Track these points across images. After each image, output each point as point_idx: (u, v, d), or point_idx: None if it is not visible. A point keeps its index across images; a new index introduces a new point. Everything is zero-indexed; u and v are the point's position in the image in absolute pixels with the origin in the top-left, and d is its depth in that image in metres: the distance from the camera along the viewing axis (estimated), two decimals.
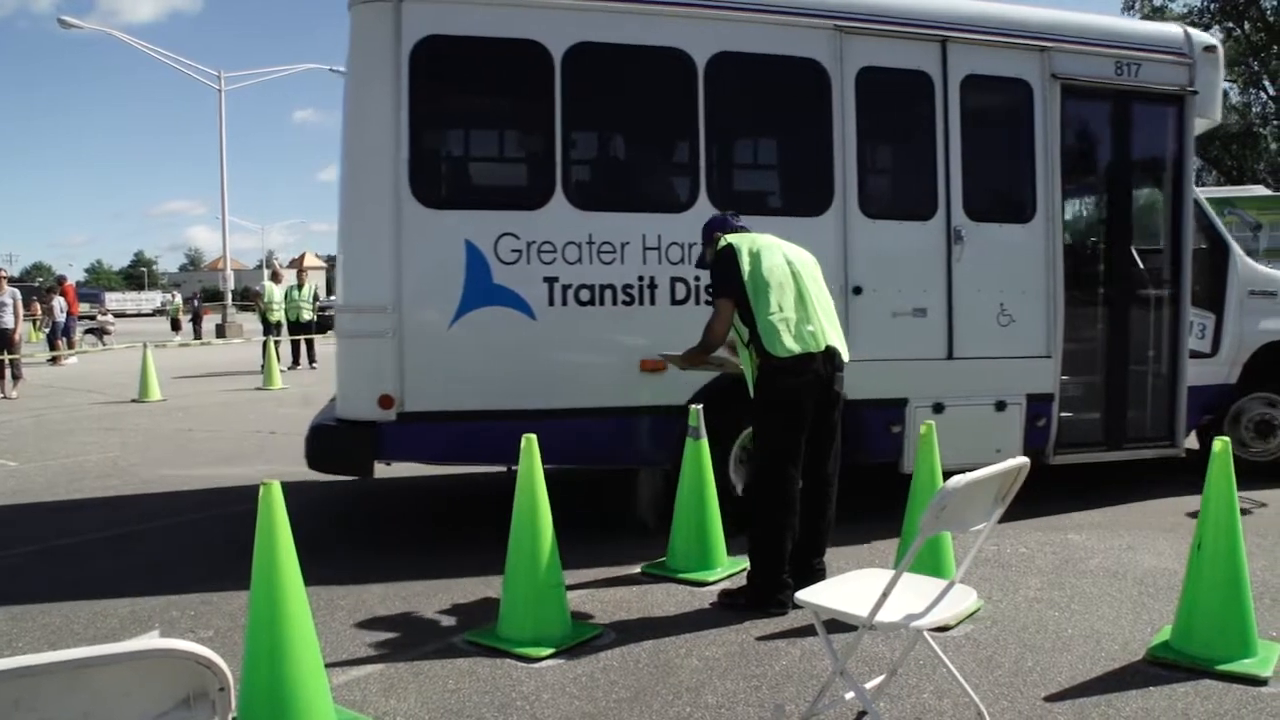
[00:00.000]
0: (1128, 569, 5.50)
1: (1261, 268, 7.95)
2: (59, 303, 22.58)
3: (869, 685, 3.64)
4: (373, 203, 5.76)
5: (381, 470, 8.79)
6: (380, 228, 5.71)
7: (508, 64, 6.01)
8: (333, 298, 46.42)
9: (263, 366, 17.25)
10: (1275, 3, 36.05)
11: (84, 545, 6.40)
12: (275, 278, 20.13)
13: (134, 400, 14.84)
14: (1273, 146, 37.81)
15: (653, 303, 6.00)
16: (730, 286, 4.84)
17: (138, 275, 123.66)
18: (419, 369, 5.75)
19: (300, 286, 20.16)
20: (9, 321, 16.23)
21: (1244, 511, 6.17)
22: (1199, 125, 7.39)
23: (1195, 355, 7.28)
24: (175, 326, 37.88)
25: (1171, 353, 7.14)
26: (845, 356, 4.95)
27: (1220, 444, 4.13)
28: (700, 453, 5.51)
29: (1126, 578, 5.34)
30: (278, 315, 19.40)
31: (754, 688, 3.98)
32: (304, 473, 8.65)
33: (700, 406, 5.59)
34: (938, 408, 6.43)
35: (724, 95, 6.17)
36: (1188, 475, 6.84)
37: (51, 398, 15.63)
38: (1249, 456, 7.64)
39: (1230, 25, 36.69)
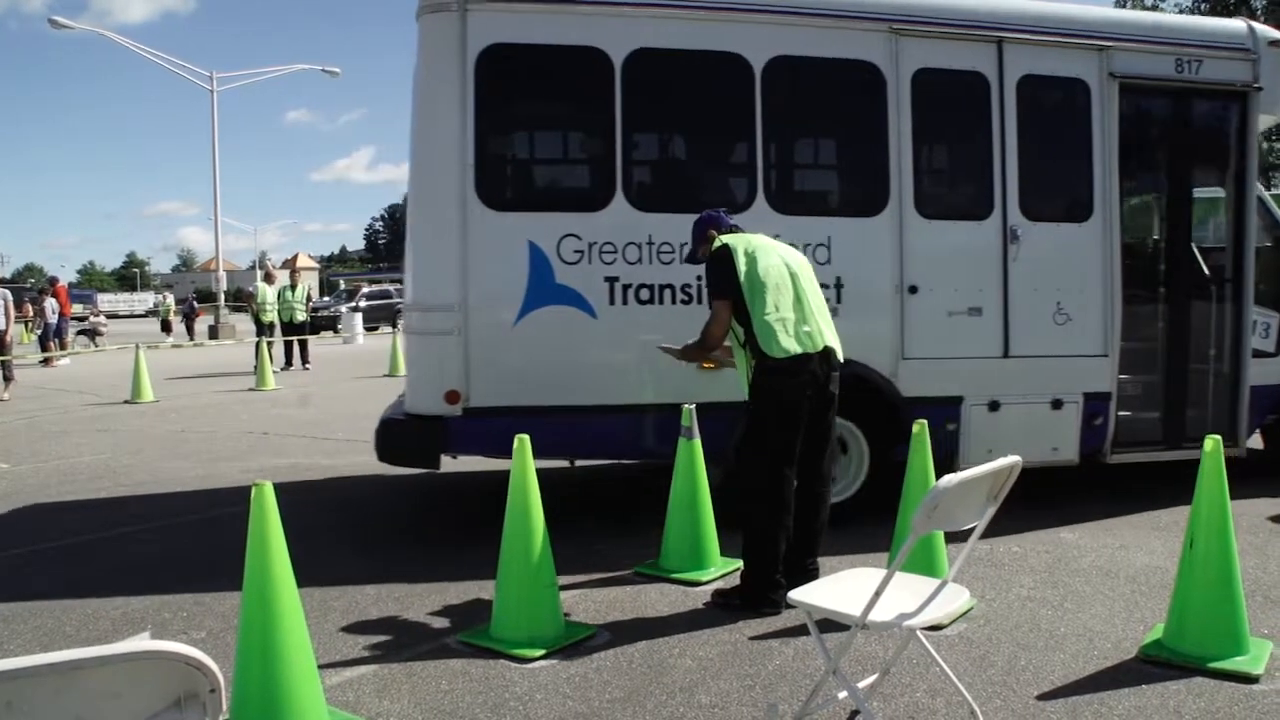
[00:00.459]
0: (1120, 567, 5.51)
1: None
2: (51, 304, 22.51)
3: (862, 684, 3.64)
4: (440, 205, 5.95)
5: (376, 471, 8.79)
6: (447, 229, 5.90)
7: (569, 70, 6.21)
8: (325, 299, 46.22)
9: (255, 367, 17.22)
10: (1264, 3, 36.15)
11: (76, 547, 6.39)
12: (268, 279, 20.09)
13: (126, 401, 14.81)
14: (1262, 145, 37.87)
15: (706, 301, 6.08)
16: (727, 287, 4.83)
17: (130, 276, 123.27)
18: (484, 366, 5.93)
19: (293, 287, 20.11)
20: (0, 323, 16.17)
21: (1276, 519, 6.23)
22: (1264, 121, 7.33)
23: (1258, 354, 7.20)
24: (166, 328, 37.74)
25: (1234, 351, 7.09)
26: (841, 357, 4.96)
27: (1211, 443, 4.14)
28: (693, 453, 5.52)
29: (1119, 576, 5.35)
30: (271, 316, 19.37)
31: (747, 687, 3.99)
32: (296, 474, 8.66)
33: (693, 407, 5.60)
34: (993, 406, 6.46)
35: (780, 98, 6.27)
36: (1184, 474, 6.85)
37: (44, 399, 15.58)
38: None
39: None
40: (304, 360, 20.15)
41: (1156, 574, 5.34)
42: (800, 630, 4.47)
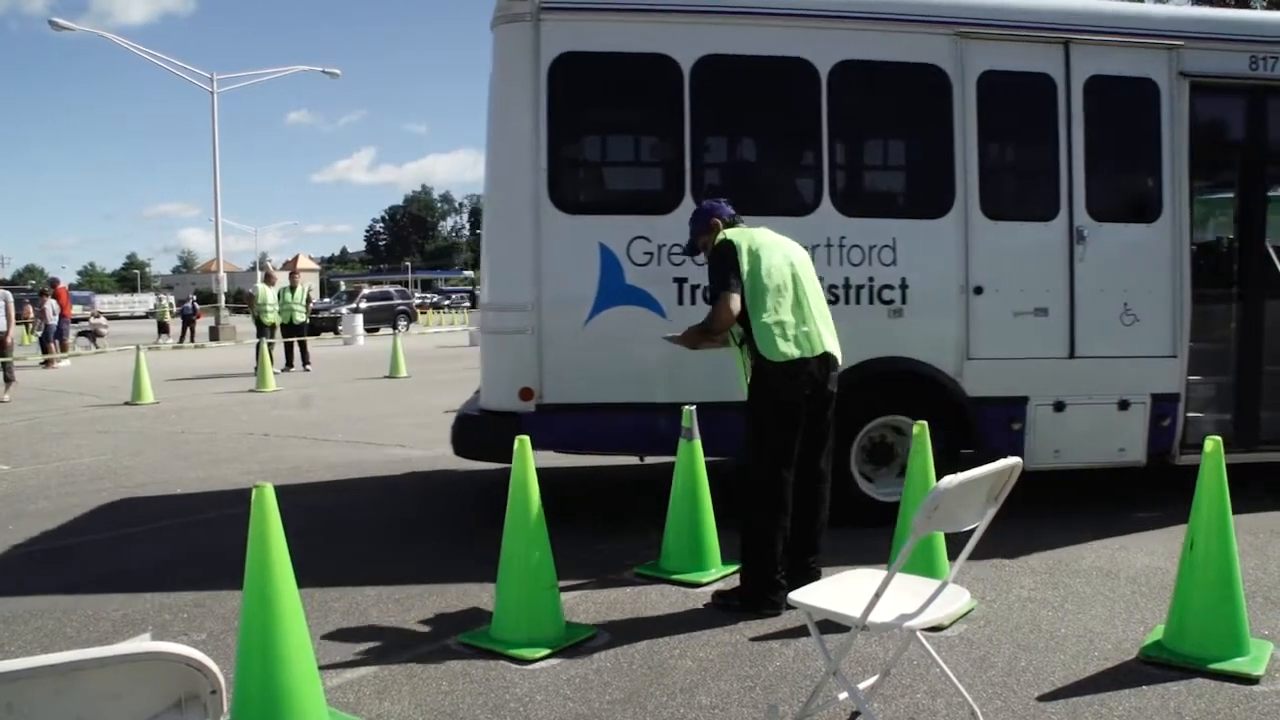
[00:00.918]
0: (1120, 568, 5.51)
1: None
2: (51, 305, 22.52)
3: (862, 685, 3.64)
4: (514, 209, 6.13)
5: (375, 472, 8.79)
6: (521, 232, 6.09)
7: (640, 77, 6.35)
8: (326, 300, 46.18)
9: (256, 369, 17.23)
10: (1264, 4, 36.17)
11: (76, 548, 6.39)
12: (269, 280, 20.10)
13: (127, 403, 14.81)
14: None
15: None
16: (733, 283, 4.79)
17: (131, 278, 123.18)
18: (556, 363, 6.11)
19: (293, 288, 20.11)
20: (0, 324, 16.17)
21: None
22: None
23: None
24: (163, 329, 37.64)
25: None
26: (839, 358, 4.96)
27: (1212, 444, 4.14)
28: (693, 453, 5.53)
29: (1119, 577, 5.35)
30: (272, 317, 19.37)
31: (748, 688, 3.99)
32: (297, 475, 8.66)
33: (693, 408, 5.61)
34: (1059, 406, 6.46)
35: (846, 102, 6.33)
36: (1182, 477, 6.85)
37: (44, 400, 15.58)
38: None
39: None
40: (304, 362, 20.15)
41: (1157, 575, 5.34)
42: (801, 631, 4.47)
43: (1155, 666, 4.10)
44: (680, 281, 6.16)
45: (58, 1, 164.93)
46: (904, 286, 6.31)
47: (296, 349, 20.14)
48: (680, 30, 6.19)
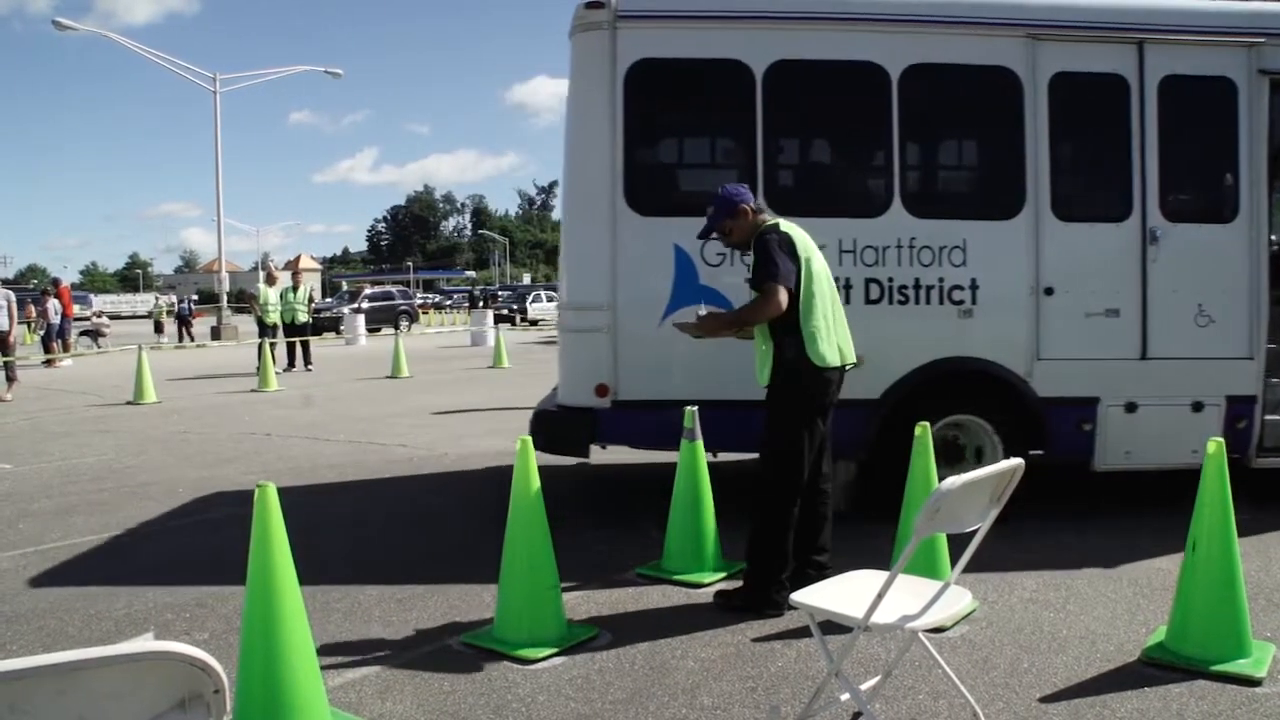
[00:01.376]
0: (1122, 570, 5.50)
1: None
2: (53, 305, 22.53)
3: (864, 686, 3.64)
4: (591, 211, 6.31)
5: (377, 472, 8.80)
6: (598, 234, 6.26)
7: (713, 82, 6.50)
8: (329, 300, 46.16)
9: (258, 368, 17.24)
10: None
11: (79, 548, 6.39)
12: (270, 280, 20.11)
13: (129, 402, 14.82)
14: None
15: (847, 302, 6.20)
16: (789, 276, 4.74)
17: (133, 278, 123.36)
18: (631, 361, 6.26)
19: (295, 288, 20.12)
20: (3, 323, 16.19)
21: None
22: None
23: None
24: (159, 329, 37.57)
25: None
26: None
27: (1214, 445, 4.14)
28: (695, 454, 5.53)
29: (1121, 578, 5.35)
30: (273, 317, 19.38)
31: (750, 689, 3.99)
32: (299, 475, 8.66)
33: (695, 409, 5.62)
34: (1130, 407, 6.43)
35: (916, 104, 6.37)
36: (1187, 477, 6.84)
37: (46, 400, 15.59)
38: None
39: None
40: (306, 361, 20.16)
41: (1159, 576, 5.33)
42: (803, 632, 4.47)
43: (1157, 668, 4.10)
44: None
45: (62, 2, 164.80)
46: (974, 287, 6.33)
47: (298, 349, 20.16)
48: (752, 36, 6.31)
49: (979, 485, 3.07)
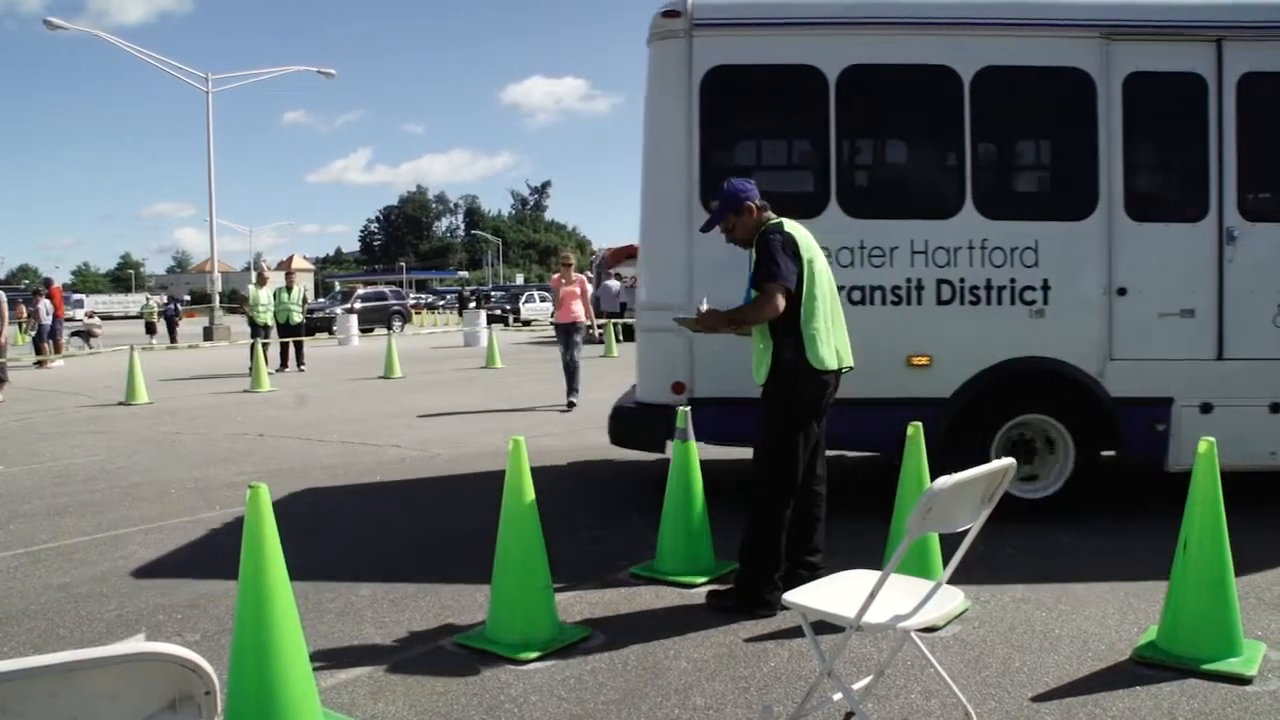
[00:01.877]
0: (1114, 569, 5.51)
1: None
2: (45, 305, 22.47)
3: (857, 686, 3.65)
4: (669, 214, 6.48)
5: (370, 472, 8.78)
6: (675, 235, 6.42)
7: (786, 87, 6.62)
8: (322, 300, 45.97)
9: (250, 369, 17.22)
10: None
11: (70, 549, 6.38)
12: (261, 281, 20.07)
13: (121, 403, 14.79)
14: None
15: (919, 303, 6.38)
16: (790, 277, 4.73)
17: (125, 278, 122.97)
18: (706, 360, 6.39)
19: (289, 289, 20.10)
20: None
21: None
22: None
23: None
24: (150, 329, 37.42)
25: None
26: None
27: (1205, 444, 4.15)
28: (688, 454, 5.53)
29: (1113, 578, 5.36)
30: (264, 318, 19.35)
31: (742, 689, 3.99)
32: (292, 475, 8.65)
33: (688, 409, 5.63)
34: (1205, 408, 6.41)
35: (989, 107, 6.42)
36: (1179, 477, 6.86)
37: (38, 401, 15.55)
38: None
39: None
40: (299, 362, 20.14)
41: (1150, 575, 5.34)
42: (795, 632, 4.47)
43: (1149, 667, 4.11)
44: None
45: (54, 1, 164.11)
46: (1045, 288, 6.35)
47: (291, 349, 20.13)
48: (825, 42, 6.41)
49: (971, 485, 3.08)
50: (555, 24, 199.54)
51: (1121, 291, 6.37)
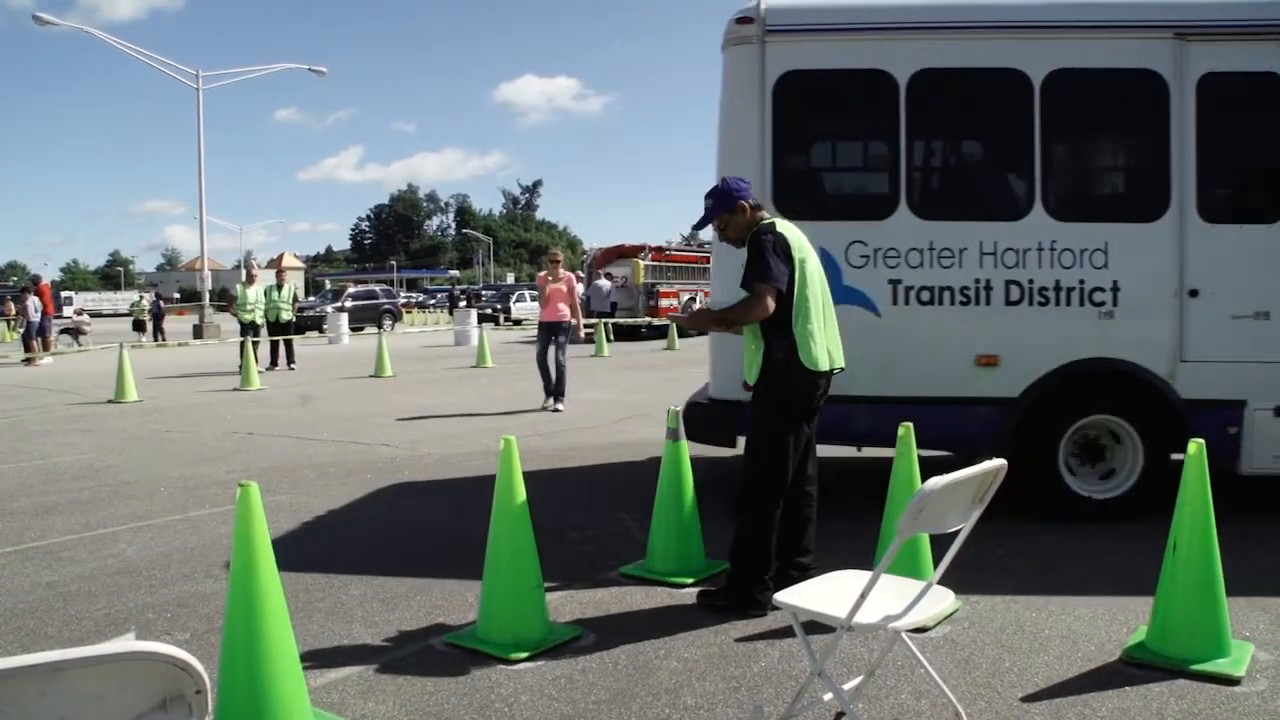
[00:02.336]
0: (1104, 570, 5.53)
1: None
2: (34, 303, 22.39)
3: (847, 686, 3.65)
4: None
5: (360, 471, 8.77)
6: None
7: (857, 91, 6.75)
8: (312, 299, 45.99)
9: (240, 367, 17.17)
10: None
11: (59, 547, 6.35)
12: (250, 279, 20.04)
13: (110, 401, 14.73)
14: None
15: (988, 303, 6.44)
16: (780, 278, 4.72)
17: (114, 275, 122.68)
18: None
19: (280, 287, 20.06)
20: None
21: None
22: None
23: None
24: (139, 327, 37.26)
25: None
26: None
27: (1195, 446, 4.17)
28: (679, 454, 5.53)
29: (1103, 578, 5.38)
30: (251, 316, 19.31)
31: (733, 689, 3.99)
32: (282, 474, 8.63)
33: (679, 409, 5.63)
34: (1279, 411, 6.39)
35: (1059, 109, 6.45)
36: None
37: (26, 398, 15.48)
38: None
39: None
40: (289, 360, 20.10)
41: (1140, 576, 5.35)
42: (786, 632, 4.48)
43: (1138, 667, 4.13)
44: (895, 283, 6.48)
45: None
46: (1115, 289, 6.36)
47: (282, 348, 20.09)
48: (896, 47, 6.51)
49: (962, 486, 3.09)
50: (548, 23, 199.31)
51: (1194, 293, 6.34)
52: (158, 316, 34.68)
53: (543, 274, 13.45)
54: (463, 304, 42.07)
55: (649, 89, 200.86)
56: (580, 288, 30.70)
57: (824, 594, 3.32)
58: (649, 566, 5.54)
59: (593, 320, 24.79)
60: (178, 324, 36.64)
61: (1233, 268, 6.39)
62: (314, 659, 4.30)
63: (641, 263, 30.43)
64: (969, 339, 6.46)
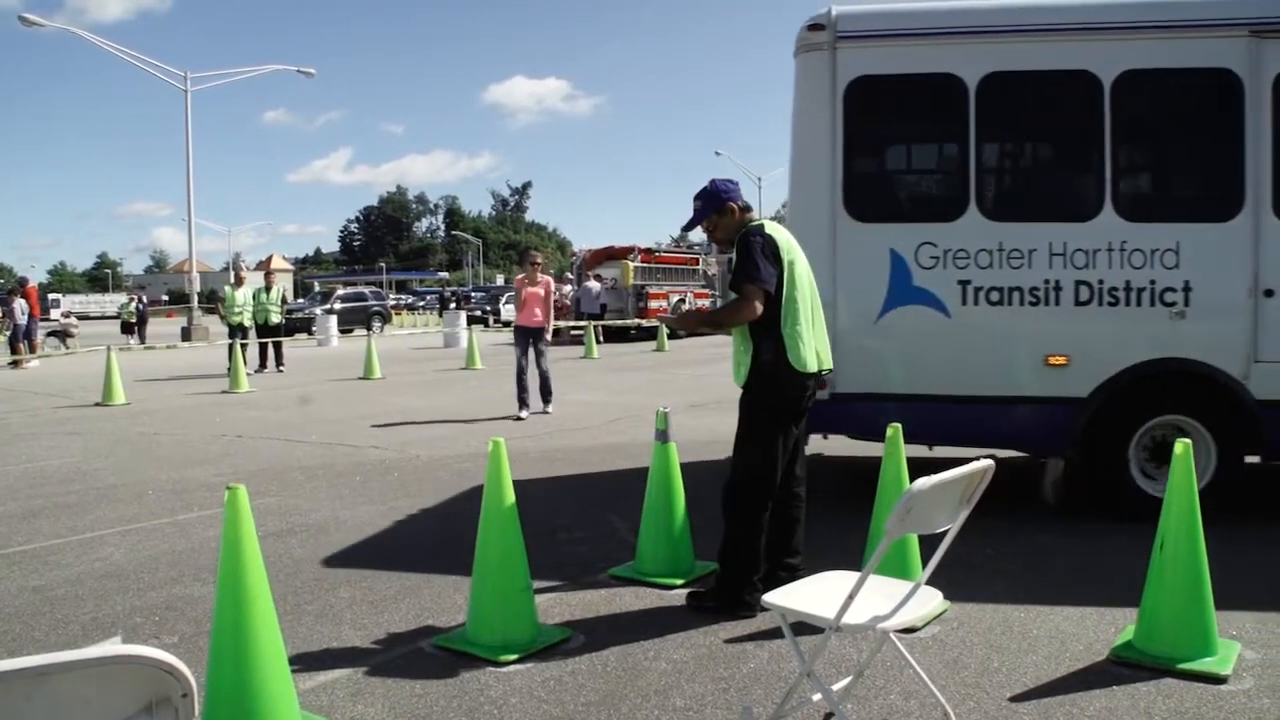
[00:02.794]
0: (1092, 569, 5.55)
1: None
2: (20, 305, 22.28)
3: (836, 687, 3.66)
4: (814, 218, 6.65)
5: (349, 473, 8.74)
6: (819, 238, 6.53)
7: (927, 96, 6.85)
8: (301, 301, 45.77)
9: (229, 369, 17.12)
10: None
11: (46, 551, 6.32)
12: (238, 282, 19.99)
13: (97, 404, 14.68)
14: None
15: (1057, 304, 6.45)
16: (769, 279, 4.73)
17: (102, 277, 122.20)
18: (849, 357, 6.48)
19: (268, 289, 20.01)
20: None
21: None
22: None
23: None
24: (127, 329, 37.06)
25: None
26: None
27: (1181, 446, 4.19)
28: (668, 456, 5.53)
29: (1091, 578, 5.39)
30: (239, 319, 19.25)
31: (722, 690, 4.00)
32: (270, 477, 8.60)
33: (668, 410, 5.63)
34: None
35: (1130, 110, 6.45)
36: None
37: (13, 401, 15.41)
38: None
39: None
40: (278, 362, 20.05)
41: (1128, 576, 5.37)
42: (775, 633, 4.48)
43: (1125, 667, 4.14)
44: (964, 284, 6.52)
45: None
46: (1187, 289, 6.32)
47: (270, 350, 20.04)
48: (966, 50, 6.55)
49: (950, 486, 3.09)
50: (538, 24, 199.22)
51: (1269, 293, 6.30)
52: (141, 318, 34.51)
53: (520, 276, 13.00)
54: (452, 306, 41.98)
55: (638, 90, 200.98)
56: (569, 289, 30.81)
57: (812, 595, 3.33)
58: (638, 568, 5.54)
59: (583, 323, 24.75)
60: (166, 326, 36.44)
61: None
62: (303, 662, 4.29)
63: (631, 264, 30.43)
64: (1038, 339, 6.48)
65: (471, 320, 33.69)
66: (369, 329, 33.44)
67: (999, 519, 6.27)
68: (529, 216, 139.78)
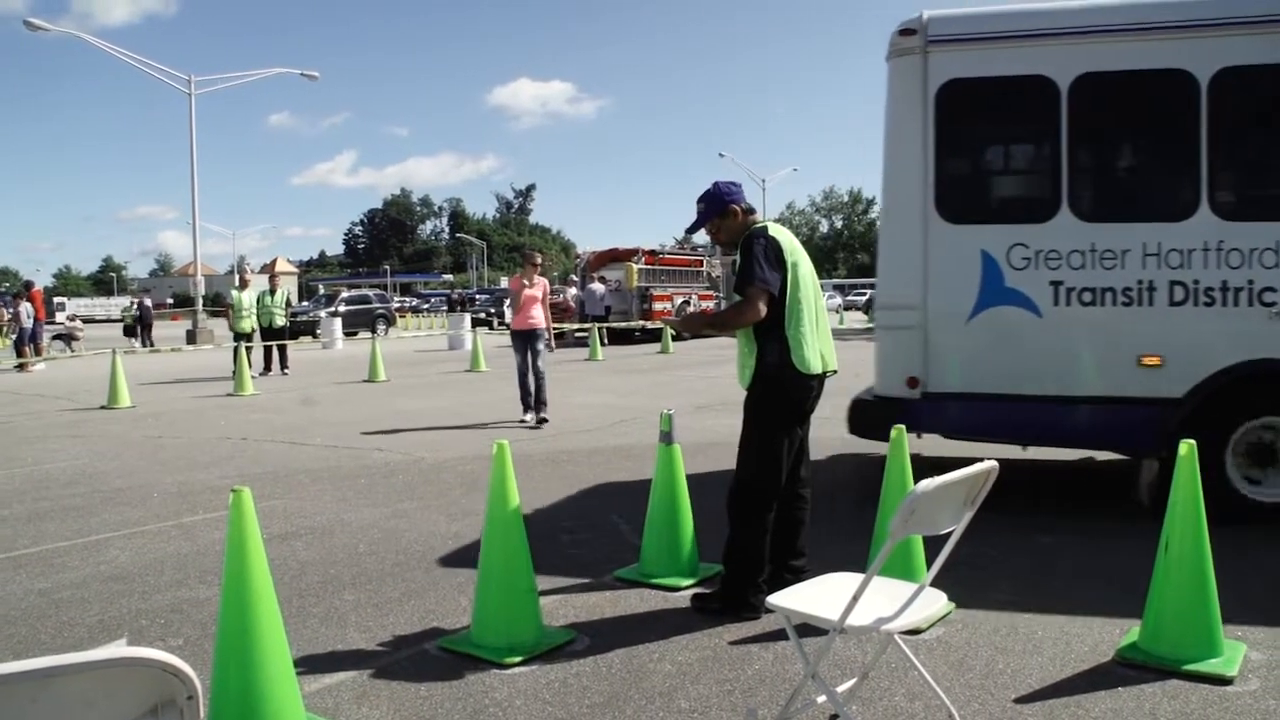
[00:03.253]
0: (1097, 570, 5.54)
1: None
2: (26, 308, 22.33)
3: (841, 688, 3.66)
4: (906, 219, 6.78)
5: (353, 476, 8.75)
6: (911, 239, 6.72)
7: (1019, 97, 6.87)
8: (305, 304, 45.82)
9: (234, 372, 17.14)
10: None
11: (51, 554, 6.34)
12: (243, 284, 20.01)
13: (103, 407, 14.70)
14: None
15: (1150, 304, 6.41)
16: (774, 281, 4.72)
17: (107, 280, 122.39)
18: (940, 356, 6.69)
19: (273, 292, 20.03)
20: None
21: None
22: None
23: None
24: (129, 333, 37.12)
25: None
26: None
27: (1186, 447, 4.18)
28: (672, 457, 5.52)
29: (1096, 579, 5.39)
30: (245, 323, 19.28)
31: (727, 692, 3.99)
32: (275, 480, 8.61)
33: (672, 412, 5.63)
34: None
35: (1227, 108, 6.37)
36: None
37: (18, 404, 15.45)
38: None
39: None
40: (283, 365, 20.07)
41: (1132, 577, 5.36)
42: (779, 635, 4.48)
43: (1131, 668, 4.13)
44: (1056, 285, 6.53)
45: (38, 2, 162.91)
46: None
47: (275, 353, 20.06)
48: (1058, 52, 6.55)
49: (954, 488, 3.09)
50: (542, 26, 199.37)
51: None
52: (145, 322, 34.59)
53: (516, 277, 12.49)
54: (459, 308, 42.02)
55: (643, 93, 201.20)
56: (573, 290, 30.79)
57: (817, 596, 3.33)
58: (643, 570, 5.54)
59: (587, 325, 24.74)
60: (171, 329, 36.48)
61: None
62: (307, 664, 4.29)
63: (635, 266, 30.44)
64: (1132, 339, 6.43)
65: (475, 322, 33.71)
66: (374, 332, 33.46)
67: (1004, 520, 6.26)
68: (533, 219, 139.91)
